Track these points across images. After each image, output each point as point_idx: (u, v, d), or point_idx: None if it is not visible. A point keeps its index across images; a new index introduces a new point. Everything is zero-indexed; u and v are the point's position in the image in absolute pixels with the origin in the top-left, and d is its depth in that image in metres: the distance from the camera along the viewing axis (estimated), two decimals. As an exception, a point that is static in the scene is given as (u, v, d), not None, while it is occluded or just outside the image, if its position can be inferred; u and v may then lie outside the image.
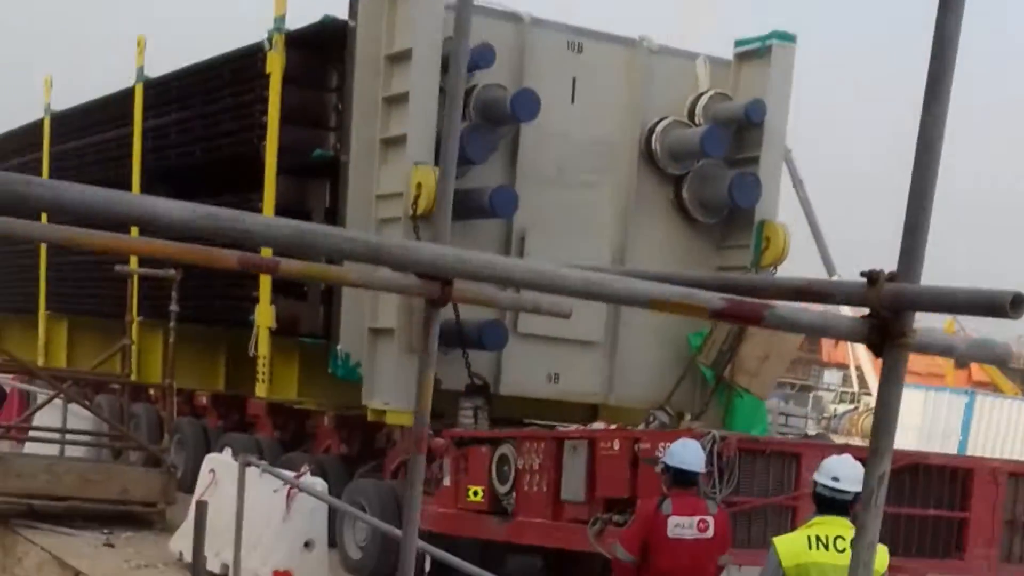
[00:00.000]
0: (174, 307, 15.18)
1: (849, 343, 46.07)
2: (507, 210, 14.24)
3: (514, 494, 12.32)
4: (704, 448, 10.31)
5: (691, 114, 15.82)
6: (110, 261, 16.54)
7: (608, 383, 15.58)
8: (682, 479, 8.73)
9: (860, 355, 47.70)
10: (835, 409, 50.18)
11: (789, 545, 7.30)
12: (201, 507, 8.25)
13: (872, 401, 44.31)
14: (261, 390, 16.02)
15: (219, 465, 13.07)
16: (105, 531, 14.68)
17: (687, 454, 8.83)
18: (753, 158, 15.70)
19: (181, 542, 12.94)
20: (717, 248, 16.05)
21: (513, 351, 14.58)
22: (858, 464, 7.29)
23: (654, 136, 15.56)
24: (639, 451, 10.91)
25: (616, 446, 11.26)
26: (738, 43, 16.30)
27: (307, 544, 11.84)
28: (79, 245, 2.89)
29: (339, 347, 14.71)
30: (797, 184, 25.04)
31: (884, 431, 2.41)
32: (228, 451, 13.06)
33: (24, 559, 14.29)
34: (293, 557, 11.78)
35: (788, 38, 15.96)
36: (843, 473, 7.27)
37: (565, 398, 15.20)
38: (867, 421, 38.80)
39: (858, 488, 7.10)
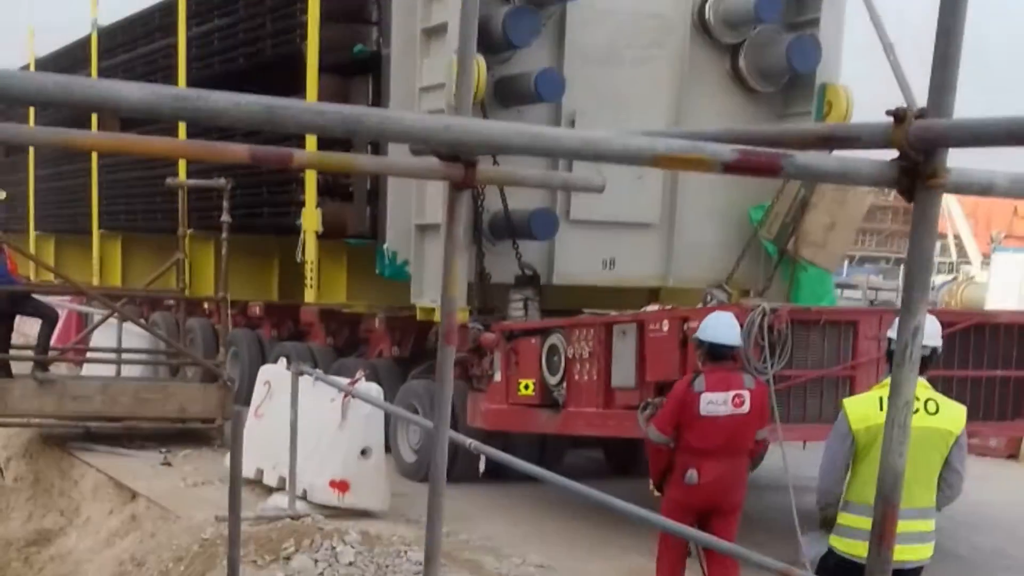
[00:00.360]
0: (225, 217, 14.89)
1: (946, 209, 45.42)
2: (553, 93, 13.79)
3: (564, 384, 12.05)
4: (754, 322, 9.95)
5: (746, -19, 15.13)
6: (159, 176, 16.41)
7: (666, 265, 15.11)
8: (716, 354, 8.58)
9: (958, 223, 46.70)
10: (933, 281, 49.03)
11: (858, 407, 7.07)
12: (238, 417, 8.04)
13: (972, 270, 43.42)
14: (310, 296, 15.77)
15: (274, 376, 12.76)
16: (163, 450, 14.68)
17: (720, 328, 8.66)
18: (812, 20, 15.01)
19: None
20: (779, 117, 15.39)
21: (565, 239, 14.16)
22: (934, 319, 7.07)
23: (707, 5, 14.94)
24: (687, 330, 10.49)
25: (665, 327, 10.90)
26: (794, -95, 15.53)
27: (363, 452, 11.51)
28: (71, 146, 2.78)
29: (385, 246, 14.41)
30: (878, 26, 24.07)
31: (917, 282, 2.39)
32: (283, 361, 12.63)
33: (80, 482, 14.30)
34: (349, 466, 11.51)
35: (849, -103, 15.17)
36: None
37: (622, 284, 14.76)
38: (966, 291, 38.02)
39: (935, 343, 7.04)
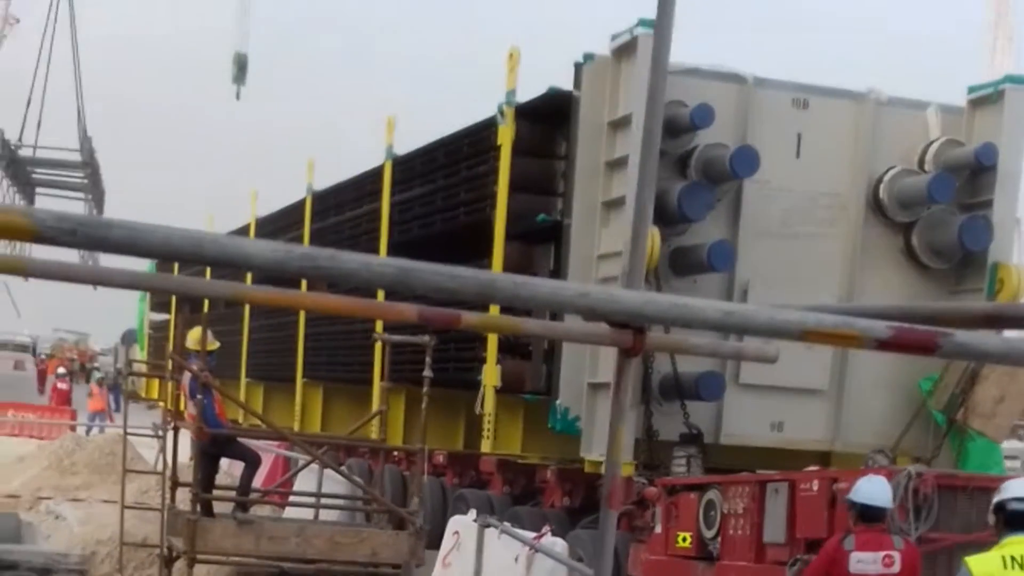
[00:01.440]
0: (428, 372, 15.01)
1: None
2: (724, 263, 14.54)
3: (719, 538, 12.54)
4: (900, 485, 10.36)
5: (921, 162, 15.82)
6: (358, 331, 17.40)
7: (834, 430, 15.61)
8: (867, 515, 8.78)
9: None
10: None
11: (983, 565, 7.26)
12: (408, 568, 7.91)
13: None
14: (486, 446, 16.64)
15: (463, 527, 13.04)
16: None
17: (873, 490, 8.87)
18: (986, 202, 15.57)
19: None
20: (950, 294, 15.90)
21: (734, 400, 14.80)
22: None
23: (882, 185, 15.63)
24: (836, 491, 10.95)
25: (815, 487, 11.37)
26: (971, 89, 16.23)
27: None
28: (243, 300, 2.92)
29: (558, 402, 15.26)
30: None
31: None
32: (473, 513, 12.86)
33: None
34: None
35: (1022, 81, 15.76)
36: None
37: (789, 446, 15.29)
38: None
39: None
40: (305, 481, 18.44)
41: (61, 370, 45.75)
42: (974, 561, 7.34)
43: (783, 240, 15.25)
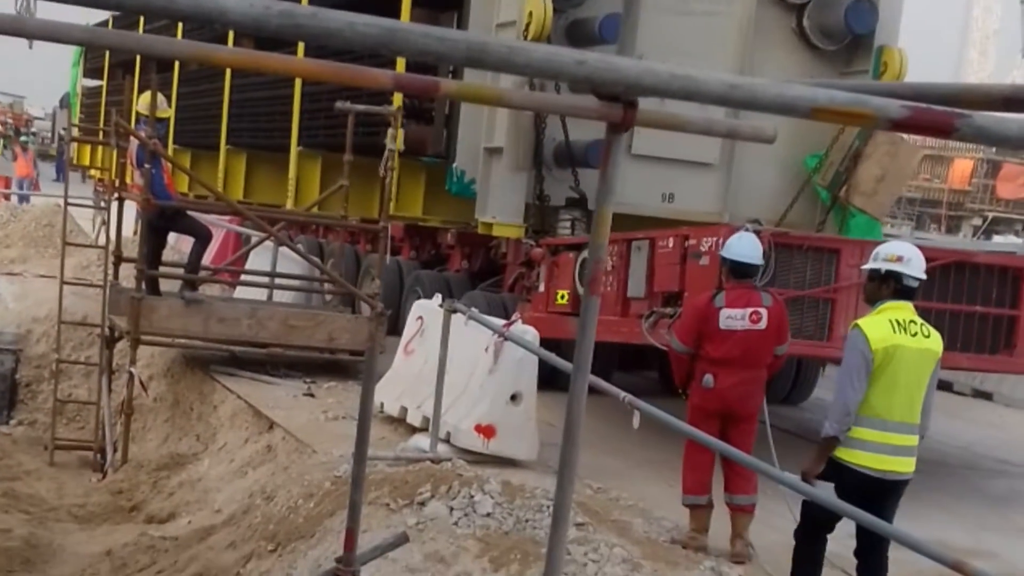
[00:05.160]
0: (391, 144, 14.23)
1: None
2: (613, 33, 14.39)
3: (592, 295, 13.18)
4: None
5: (815, -56, 16.17)
6: (282, 97, 17.38)
7: (723, 202, 16.23)
8: (738, 271, 9.02)
9: None
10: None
11: (875, 329, 7.45)
12: (371, 352, 7.10)
13: None
14: (389, 208, 16.73)
15: (427, 312, 12.25)
16: (307, 380, 14.14)
17: (743, 247, 9.07)
18: (874, -17, 15.89)
19: (382, 393, 12.01)
20: (840, 75, 16.35)
21: (627, 170, 15.06)
22: (920, 254, 7.68)
23: (775, -35, 15.93)
24: (687, 247, 11.56)
25: (671, 244, 11.91)
26: None
27: (513, 397, 10.83)
28: (210, 62, 2.58)
29: (455, 165, 15.82)
30: None
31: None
32: (438, 297, 11.87)
33: (219, 407, 13.89)
34: (497, 411, 10.83)
35: None
36: (912, 253, 7.66)
37: (680, 216, 15.60)
38: None
39: (923, 275, 7.68)
40: (259, 261, 17.36)
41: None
42: (866, 325, 7.53)
43: (679, 17, 15.59)
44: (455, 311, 10.69)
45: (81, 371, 16.94)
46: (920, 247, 8.20)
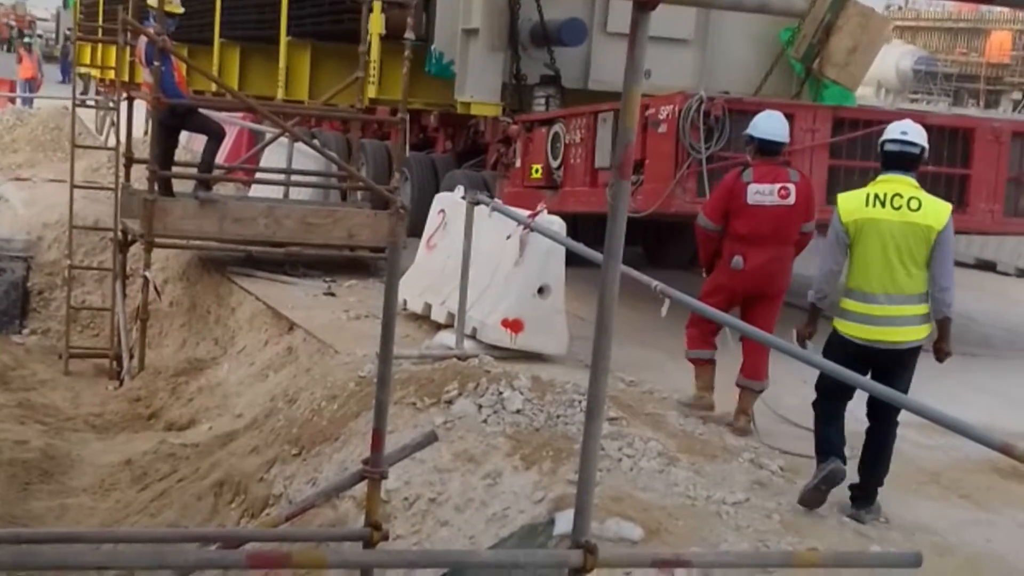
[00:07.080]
0: (409, 34, 13.80)
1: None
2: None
3: (562, 168, 13.48)
4: (691, 107, 11.32)
5: None
6: None
7: (699, 77, 16.22)
8: (765, 148, 9.03)
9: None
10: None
11: (849, 201, 7.59)
12: (394, 247, 6.70)
13: None
14: (372, 91, 16.75)
15: (449, 205, 11.85)
16: (327, 279, 13.82)
17: (771, 125, 9.07)
18: None
19: (405, 290, 11.35)
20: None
21: (602, 48, 15.50)
22: (919, 126, 7.69)
23: None
24: (647, 116, 11.74)
25: (632, 113, 12.08)
26: None
27: (541, 290, 10.53)
28: None
29: (434, 47, 16.00)
30: None
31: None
32: (460, 190, 11.41)
33: (237, 310, 13.64)
34: (524, 304, 10.53)
35: None
36: (911, 127, 7.64)
37: (656, 92, 15.59)
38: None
39: (924, 143, 7.66)
40: (275, 158, 16.86)
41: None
42: (843, 197, 7.67)
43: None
44: (478, 203, 10.42)
45: (94, 277, 16.80)
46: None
